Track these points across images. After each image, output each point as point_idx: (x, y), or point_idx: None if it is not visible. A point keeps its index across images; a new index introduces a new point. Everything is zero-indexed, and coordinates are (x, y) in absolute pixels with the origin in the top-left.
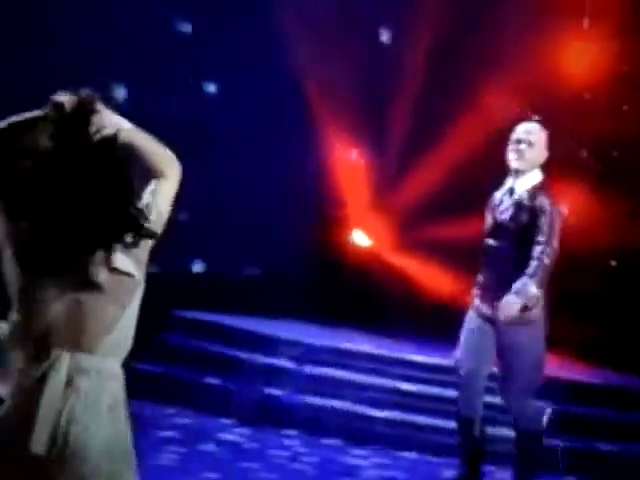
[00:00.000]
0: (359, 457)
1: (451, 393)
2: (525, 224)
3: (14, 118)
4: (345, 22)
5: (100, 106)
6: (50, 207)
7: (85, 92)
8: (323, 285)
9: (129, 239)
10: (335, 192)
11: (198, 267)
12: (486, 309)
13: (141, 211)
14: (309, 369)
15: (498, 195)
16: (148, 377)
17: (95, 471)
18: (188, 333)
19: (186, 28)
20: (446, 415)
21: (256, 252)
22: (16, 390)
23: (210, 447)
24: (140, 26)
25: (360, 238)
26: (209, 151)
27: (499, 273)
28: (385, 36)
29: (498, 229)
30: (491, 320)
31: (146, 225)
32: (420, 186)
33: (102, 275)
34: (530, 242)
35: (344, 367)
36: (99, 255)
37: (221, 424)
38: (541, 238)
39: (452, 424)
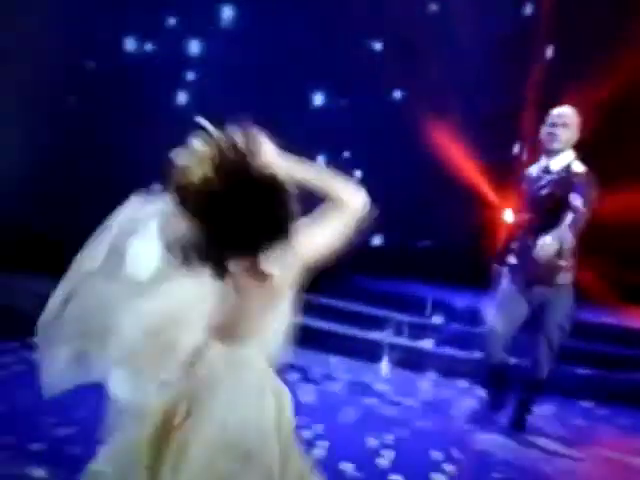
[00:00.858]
0: (477, 397)
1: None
2: (561, 196)
3: (182, 152)
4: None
5: (260, 144)
6: (208, 230)
7: (246, 130)
8: (479, 256)
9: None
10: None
11: (377, 240)
12: (519, 276)
13: (287, 241)
14: (451, 325)
15: (534, 172)
16: (321, 331)
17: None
18: (357, 296)
19: (377, 46)
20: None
21: (428, 228)
22: (178, 379)
23: (342, 386)
24: (339, 43)
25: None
26: (393, 147)
27: (531, 244)
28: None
29: (534, 203)
30: (525, 287)
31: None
32: None
33: (243, 278)
34: (563, 212)
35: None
36: (243, 261)
37: (371, 369)
38: (579, 200)
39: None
